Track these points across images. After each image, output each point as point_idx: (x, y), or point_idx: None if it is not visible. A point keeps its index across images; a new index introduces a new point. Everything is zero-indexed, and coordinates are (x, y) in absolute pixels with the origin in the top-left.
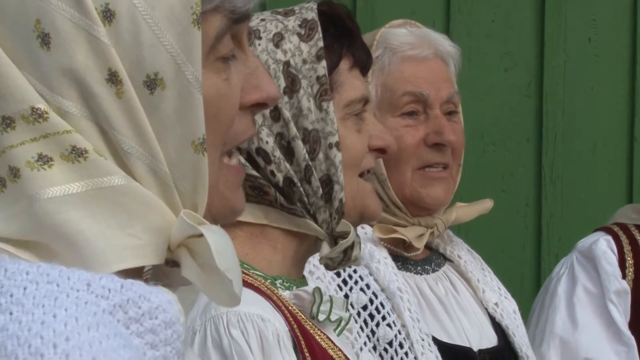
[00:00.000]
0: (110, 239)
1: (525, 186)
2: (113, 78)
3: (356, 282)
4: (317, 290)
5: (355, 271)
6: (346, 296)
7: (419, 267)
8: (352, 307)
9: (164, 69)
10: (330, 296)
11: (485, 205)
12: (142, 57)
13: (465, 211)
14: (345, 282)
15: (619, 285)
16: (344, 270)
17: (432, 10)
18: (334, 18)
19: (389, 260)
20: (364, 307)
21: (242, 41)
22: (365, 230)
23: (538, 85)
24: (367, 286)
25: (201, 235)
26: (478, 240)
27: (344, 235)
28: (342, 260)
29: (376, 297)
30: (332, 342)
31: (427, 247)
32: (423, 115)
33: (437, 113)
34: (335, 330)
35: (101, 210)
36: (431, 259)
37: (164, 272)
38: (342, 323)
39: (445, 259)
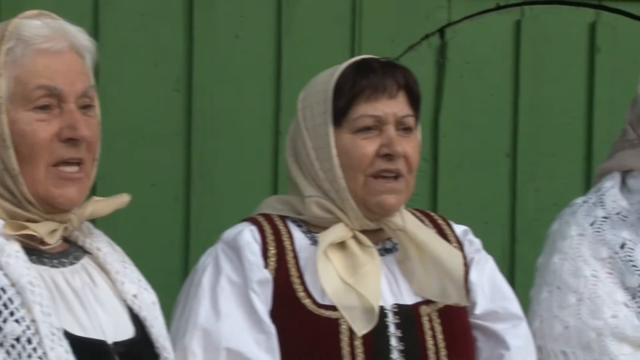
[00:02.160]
0: None
1: (174, 180)
2: None
3: None
4: None
5: None
6: None
7: (55, 260)
8: None
9: None
10: None
11: (122, 199)
12: None
13: (102, 205)
14: None
15: (261, 274)
16: None
17: (81, 2)
18: None
19: (21, 254)
20: None
21: None
22: None
23: (187, 80)
24: None
25: None
26: (127, 233)
27: None
28: None
29: (4, 292)
30: None
31: (66, 240)
32: (57, 109)
33: (72, 107)
34: None
35: None
36: (69, 252)
37: None
38: None
39: (85, 251)
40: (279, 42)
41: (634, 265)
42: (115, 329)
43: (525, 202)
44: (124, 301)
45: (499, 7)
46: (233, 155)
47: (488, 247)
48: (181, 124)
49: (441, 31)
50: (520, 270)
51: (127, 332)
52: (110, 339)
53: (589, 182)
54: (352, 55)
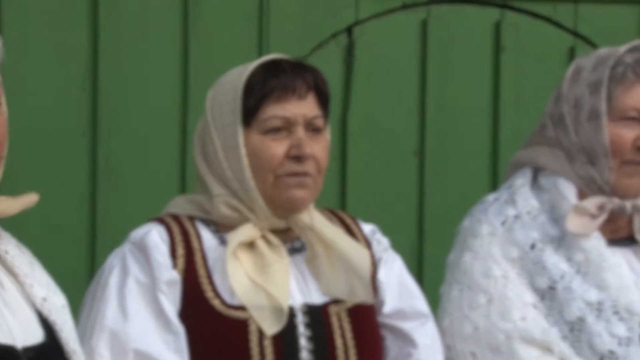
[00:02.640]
0: None
1: (80, 180)
2: None
3: None
4: None
5: None
6: None
7: None
8: None
9: None
10: None
11: (30, 199)
12: None
13: (9, 205)
14: None
15: (169, 275)
16: None
17: None
18: None
19: None
20: None
21: None
22: None
23: (93, 79)
24: None
25: None
26: (32, 233)
27: None
28: None
29: None
30: None
31: None
32: None
33: None
34: None
35: None
36: None
37: None
38: None
39: None
40: (185, 40)
41: (543, 267)
42: (24, 334)
43: (432, 200)
44: (33, 305)
45: (405, 6)
46: (140, 155)
47: (396, 245)
48: (87, 123)
49: (349, 30)
50: (428, 268)
51: (36, 336)
52: (19, 344)
53: (495, 179)
54: (260, 54)
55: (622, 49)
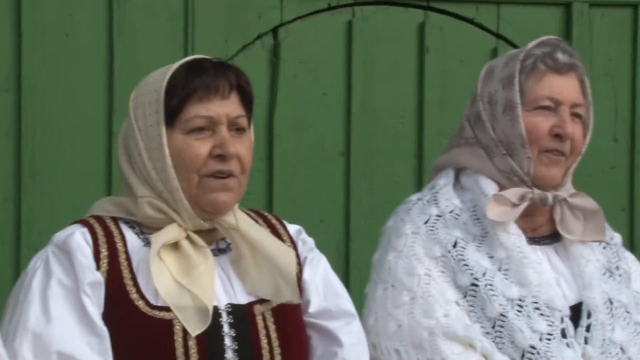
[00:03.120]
0: None
1: (4, 181)
2: None
3: None
4: None
5: None
6: None
7: None
8: None
9: None
10: None
11: None
12: None
13: None
14: None
15: (92, 277)
16: None
17: None
18: None
19: None
20: None
21: None
22: None
23: (16, 80)
24: None
25: None
26: None
27: None
28: None
29: None
30: None
31: None
32: None
33: None
34: None
35: None
36: None
37: None
38: None
39: None
40: (110, 41)
41: (465, 264)
42: None
43: (359, 200)
44: None
45: (330, 8)
46: (65, 156)
47: (323, 245)
48: (11, 124)
49: (274, 31)
50: (355, 268)
51: None
52: None
53: (420, 179)
54: (186, 55)
55: (531, 44)
